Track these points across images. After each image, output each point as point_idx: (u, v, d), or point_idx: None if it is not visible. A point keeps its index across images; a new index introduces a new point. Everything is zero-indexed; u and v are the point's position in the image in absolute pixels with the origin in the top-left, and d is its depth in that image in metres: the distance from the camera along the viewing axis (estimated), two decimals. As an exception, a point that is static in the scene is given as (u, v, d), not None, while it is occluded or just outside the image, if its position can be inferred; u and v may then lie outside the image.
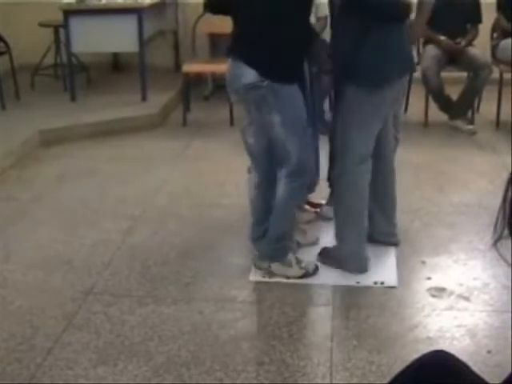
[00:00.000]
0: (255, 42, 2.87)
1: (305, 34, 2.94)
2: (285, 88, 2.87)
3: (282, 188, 3.02)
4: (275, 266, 3.14)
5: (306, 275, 3.14)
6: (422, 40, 5.53)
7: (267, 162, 3.11)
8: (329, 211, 3.56)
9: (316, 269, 3.18)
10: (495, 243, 1.20)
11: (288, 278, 3.12)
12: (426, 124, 5.44)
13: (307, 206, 3.72)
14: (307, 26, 3.00)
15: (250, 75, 2.84)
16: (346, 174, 3.08)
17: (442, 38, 5.28)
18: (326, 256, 3.27)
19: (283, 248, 3.14)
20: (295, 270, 3.14)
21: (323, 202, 3.73)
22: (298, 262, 3.17)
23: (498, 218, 1.20)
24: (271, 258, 3.14)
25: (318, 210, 3.74)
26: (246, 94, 2.92)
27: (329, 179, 3.41)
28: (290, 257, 3.17)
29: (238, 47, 2.95)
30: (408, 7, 3.06)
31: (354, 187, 3.11)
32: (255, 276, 3.18)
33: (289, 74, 2.90)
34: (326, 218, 3.62)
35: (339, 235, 3.21)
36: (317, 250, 3.32)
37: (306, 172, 3.00)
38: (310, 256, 3.27)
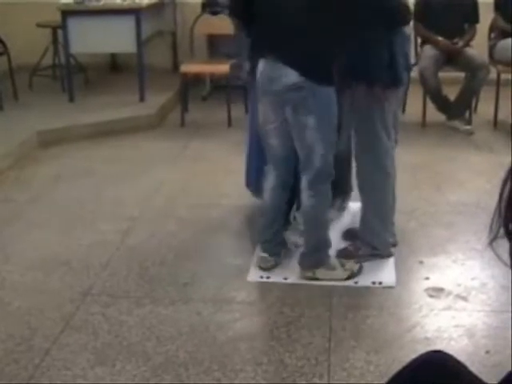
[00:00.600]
0: (296, 42, 2.78)
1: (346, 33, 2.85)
2: (325, 90, 2.82)
3: (305, 200, 3.00)
4: (320, 272, 3.11)
5: (351, 276, 3.12)
6: (419, 40, 5.55)
7: (289, 164, 3.08)
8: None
9: (360, 268, 3.16)
10: (491, 243, 1.20)
11: (334, 280, 3.09)
12: (423, 124, 5.44)
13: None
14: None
15: (291, 76, 2.78)
16: (380, 170, 3.13)
17: (440, 38, 5.29)
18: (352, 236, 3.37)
19: (324, 254, 3.12)
20: (340, 273, 3.12)
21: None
22: (342, 264, 3.16)
23: (493, 218, 1.20)
24: (315, 266, 3.12)
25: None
26: (285, 95, 2.85)
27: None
28: (333, 260, 3.16)
29: (275, 48, 2.85)
30: (408, 10, 3.08)
31: (388, 181, 3.17)
32: (253, 276, 3.18)
33: (329, 74, 2.83)
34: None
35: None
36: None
37: (328, 177, 2.97)
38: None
